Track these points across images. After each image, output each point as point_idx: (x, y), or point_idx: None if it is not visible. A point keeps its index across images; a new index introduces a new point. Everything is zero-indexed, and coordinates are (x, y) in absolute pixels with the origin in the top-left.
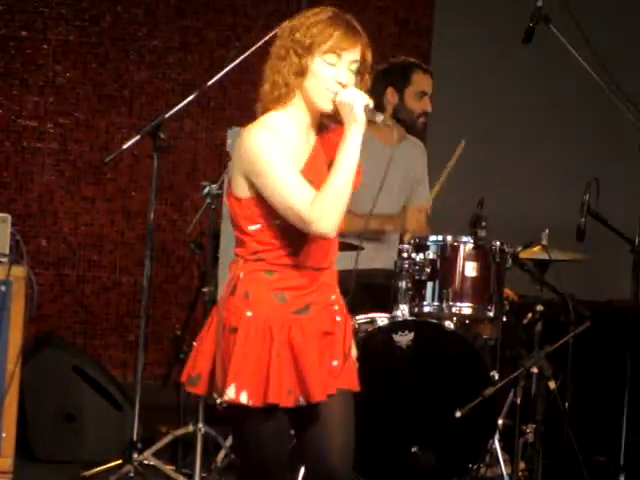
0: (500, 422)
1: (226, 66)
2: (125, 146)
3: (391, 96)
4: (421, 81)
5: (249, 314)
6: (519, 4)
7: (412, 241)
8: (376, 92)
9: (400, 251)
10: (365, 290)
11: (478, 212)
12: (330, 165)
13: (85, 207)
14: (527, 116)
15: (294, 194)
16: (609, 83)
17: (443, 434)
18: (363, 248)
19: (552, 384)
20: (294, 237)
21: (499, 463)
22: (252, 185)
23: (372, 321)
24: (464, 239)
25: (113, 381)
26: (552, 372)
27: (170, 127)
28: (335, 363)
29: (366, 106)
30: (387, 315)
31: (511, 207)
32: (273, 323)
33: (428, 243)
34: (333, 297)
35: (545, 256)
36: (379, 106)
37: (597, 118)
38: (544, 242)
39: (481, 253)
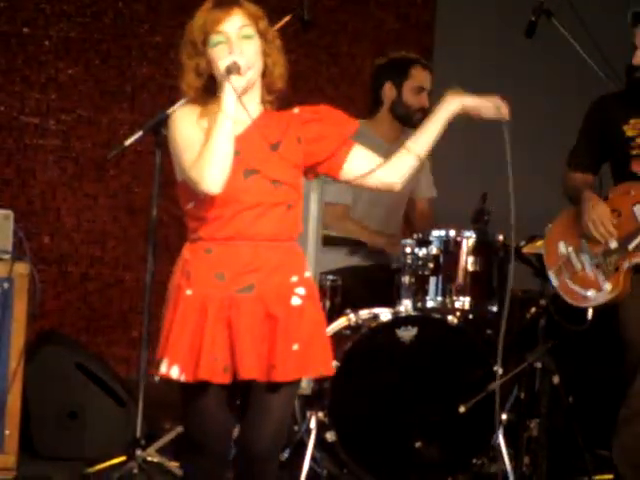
0: (504, 417)
1: None
2: (128, 142)
3: (389, 90)
4: (420, 76)
5: (189, 292)
6: None
7: (415, 236)
8: (374, 86)
9: (403, 246)
10: (367, 286)
11: (481, 207)
12: (273, 147)
13: (88, 204)
14: (529, 111)
15: (184, 156)
16: (612, 77)
17: (447, 429)
18: (365, 244)
19: (556, 379)
20: (224, 209)
21: (503, 458)
22: None
23: (375, 316)
24: (467, 234)
25: (116, 378)
26: (555, 366)
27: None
28: (295, 347)
29: (231, 63)
30: (390, 310)
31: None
32: (210, 301)
33: (431, 238)
34: (294, 279)
35: None
36: (377, 100)
37: None
38: None
39: (484, 248)
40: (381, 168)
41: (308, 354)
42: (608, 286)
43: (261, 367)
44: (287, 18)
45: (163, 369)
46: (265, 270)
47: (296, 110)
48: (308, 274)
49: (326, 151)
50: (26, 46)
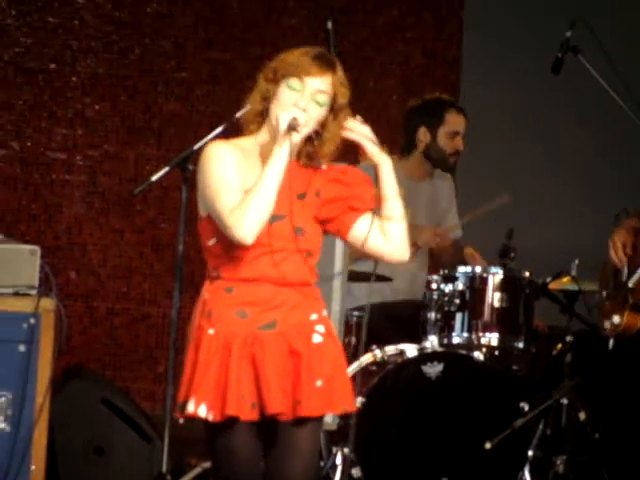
0: (530, 453)
1: None
2: (154, 178)
3: (423, 135)
4: (454, 121)
5: (211, 332)
6: (548, 34)
7: (441, 272)
8: (408, 129)
9: (429, 282)
10: (393, 322)
11: (507, 243)
12: (300, 196)
13: (114, 239)
14: (557, 147)
15: (220, 199)
16: (638, 113)
17: (473, 466)
18: (390, 279)
19: (582, 415)
20: (247, 250)
21: None
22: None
23: (401, 352)
24: (493, 270)
25: (142, 413)
26: (582, 403)
27: (199, 159)
28: (319, 383)
29: (292, 119)
30: (416, 346)
31: (540, 238)
32: (233, 339)
33: (457, 274)
34: (314, 316)
35: (574, 287)
36: (410, 143)
37: (628, 150)
38: (573, 273)
39: (510, 284)
40: (383, 238)
41: (331, 391)
42: (616, 319)
43: (287, 403)
44: None
45: (190, 409)
46: (286, 307)
47: (324, 166)
48: (325, 313)
49: (335, 211)
50: (53, 82)
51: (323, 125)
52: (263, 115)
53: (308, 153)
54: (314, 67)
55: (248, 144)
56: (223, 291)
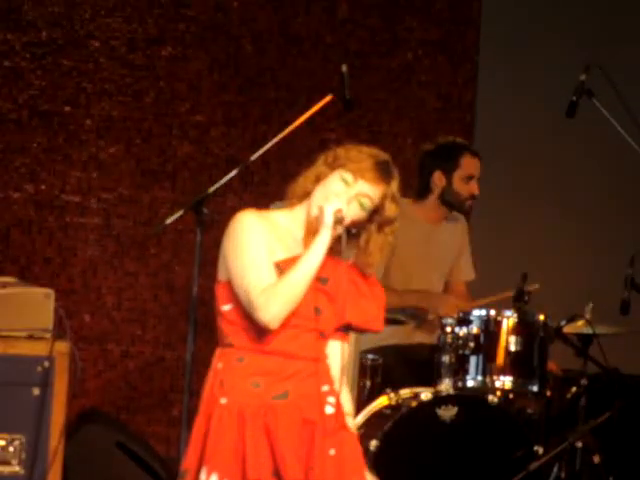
0: None
1: (269, 141)
2: (168, 221)
3: (438, 180)
4: (470, 165)
5: (223, 401)
6: (562, 78)
7: (455, 315)
8: (423, 173)
9: (443, 325)
10: (407, 365)
11: (521, 286)
12: (322, 281)
13: (128, 282)
14: (570, 191)
15: (250, 276)
16: None
17: None
18: (404, 321)
19: (596, 458)
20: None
21: None
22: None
23: (416, 396)
24: (507, 313)
25: (157, 457)
26: (597, 447)
27: (213, 202)
28: (332, 452)
29: (337, 210)
30: (431, 389)
31: (554, 281)
32: (246, 409)
33: (471, 317)
34: (325, 388)
35: (589, 330)
36: (426, 188)
37: None
38: (588, 316)
39: (525, 327)
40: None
41: (344, 462)
42: None
43: (301, 469)
44: (329, 97)
45: (202, 478)
46: (298, 378)
47: (350, 260)
48: (336, 387)
49: (331, 320)
50: (67, 125)
51: (367, 240)
52: (309, 195)
53: (333, 248)
54: (372, 173)
55: (281, 218)
56: (235, 360)
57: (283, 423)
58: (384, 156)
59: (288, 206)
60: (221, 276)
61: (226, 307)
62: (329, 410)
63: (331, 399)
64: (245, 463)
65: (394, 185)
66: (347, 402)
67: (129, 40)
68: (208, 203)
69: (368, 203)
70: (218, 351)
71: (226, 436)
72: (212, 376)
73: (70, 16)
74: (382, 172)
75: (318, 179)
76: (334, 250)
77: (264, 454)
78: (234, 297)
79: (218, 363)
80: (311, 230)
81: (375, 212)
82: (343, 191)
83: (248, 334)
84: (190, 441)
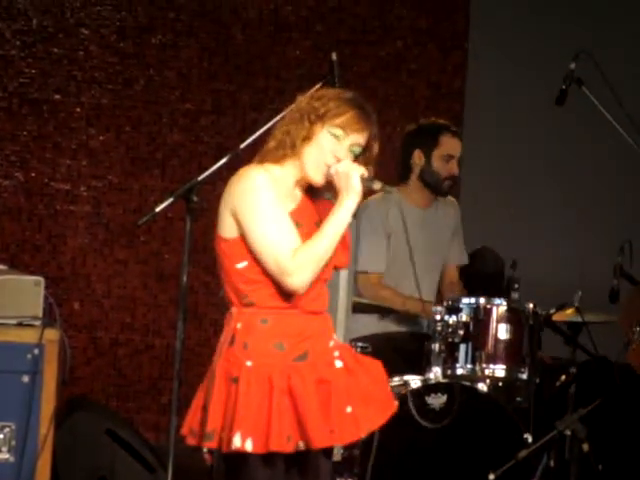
0: None
1: (259, 129)
2: (158, 209)
3: (418, 158)
4: (449, 144)
5: (249, 364)
6: (551, 66)
7: (445, 303)
8: (403, 153)
9: (433, 313)
10: (397, 353)
11: (511, 274)
12: (317, 224)
13: (118, 270)
14: (559, 178)
15: (278, 241)
16: None
17: None
18: (394, 311)
19: (585, 446)
20: None
21: None
22: (240, 223)
23: (405, 384)
24: (497, 301)
25: (146, 444)
26: (586, 434)
27: (203, 190)
28: (349, 409)
29: (362, 175)
30: (420, 377)
31: (544, 269)
32: (273, 372)
33: (461, 305)
34: (331, 343)
35: (578, 318)
36: (406, 168)
37: (631, 180)
38: (577, 304)
39: (514, 315)
40: None
41: (362, 412)
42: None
43: (326, 431)
44: (318, 85)
45: (237, 443)
46: (314, 337)
47: (334, 200)
48: (336, 337)
49: (330, 265)
50: (57, 113)
51: None
52: (295, 150)
53: (319, 190)
54: (359, 123)
55: (277, 171)
56: (258, 322)
57: (306, 385)
58: (360, 99)
59: (273, 161)
60: (229, 233)
61: (241, 265)
62: (338, 364)
63: (336, 353)
64: (270, 431)
65: (376, 125)
66: None
67: (119, 28)
68: (198, 191)
69: (358, 149)
70: (235, 311)
71: (254, 400)
72: (228, 336)
73: (60, 4)
74: (366, 118)
75: (306, 138)
76: (319, 192)
77: (287, 420)
78: (249, 254)
79: (237, 323)
80: (304, 186)
81: (361, 153)
82: (338, 147)
83: (269, 291)
84: (210, 402)
